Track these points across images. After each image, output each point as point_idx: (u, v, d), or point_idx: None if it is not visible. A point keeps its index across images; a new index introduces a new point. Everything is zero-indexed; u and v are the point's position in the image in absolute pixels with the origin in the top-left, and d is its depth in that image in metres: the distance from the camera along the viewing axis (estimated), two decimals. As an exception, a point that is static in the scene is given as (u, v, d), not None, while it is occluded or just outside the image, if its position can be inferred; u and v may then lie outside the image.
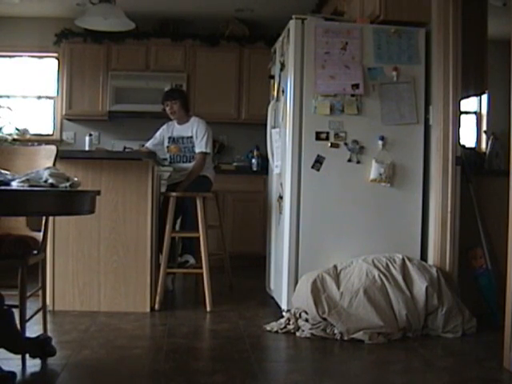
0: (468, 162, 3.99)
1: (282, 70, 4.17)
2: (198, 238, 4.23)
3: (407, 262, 3.68)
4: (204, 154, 4.77)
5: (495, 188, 3.92)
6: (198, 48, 6.41)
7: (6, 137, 5.91)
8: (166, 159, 4.94)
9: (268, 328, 3.59)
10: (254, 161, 6.40)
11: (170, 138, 4.89)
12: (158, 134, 4.99)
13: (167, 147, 4.90)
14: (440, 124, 3.84)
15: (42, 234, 2.97)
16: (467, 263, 3.95)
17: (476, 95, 5.07)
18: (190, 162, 4.82)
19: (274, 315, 3.88)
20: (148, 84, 6.28)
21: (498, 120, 6.07)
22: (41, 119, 6.65)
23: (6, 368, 2.51)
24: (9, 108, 6.19)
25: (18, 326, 2.77)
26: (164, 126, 4.97)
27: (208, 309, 4.09)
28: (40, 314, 3.11)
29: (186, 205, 4.51)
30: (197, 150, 4.77)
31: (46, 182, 2.34)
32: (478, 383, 2.80)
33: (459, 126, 3.89)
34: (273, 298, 4.37)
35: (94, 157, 4.08)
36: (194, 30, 6.46)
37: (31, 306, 3.00)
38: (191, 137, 4.80)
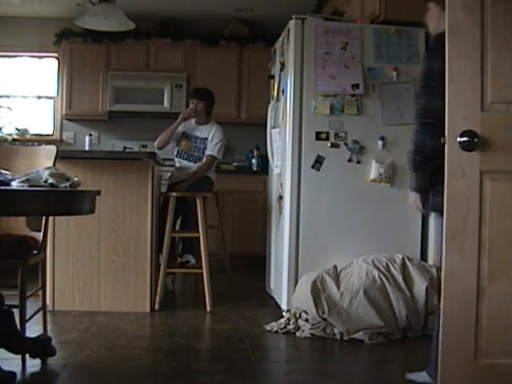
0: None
1: (282, 70, 4.17)
2: (198, 238, 4.23)
3: (407, 262, 3.68)
4: (213, 158, 4.81)
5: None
6: (198, 48, 6.41)
7: (6, 137, 5.90)
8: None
9: (268, 328, 3.59)
10: (254, 161, 6.40)
11: (184, 133, 4.92)
12: (179, 127, 4.95)
13: (178, 141, 4.93)
14: (440, 124, 3.84)
15: (41, 234, 2.97)
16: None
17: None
18: (195, 162, 4.84)
19: (274, 315, 3.88)
20: (148, 84, 6.28)
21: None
22: (41, 119, 6.65)
23: (6, 368, 2.51)
24: (9, 108, 6.19)
25: (18, 326, 2.77)
26: (183, 122, 4.98)
27: (208, 309, 4.09)
28: (40, 314, 3.10)
29: (188, 205, 4.51)
30: (208, 153, 4.80)
31: (46, 182, 2.34)
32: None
33: (459, 126, 3.88)
34: (273, 297, 4.37)
35: (93, 157, 4.08)
36: (194, 30, 6.46)
37: (31, 306, 3.00)
38: (206, 138, 4.83)
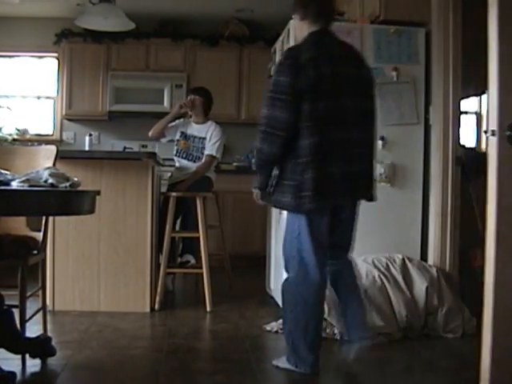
0: (468, 161, 3.99)
1: (281, 70, 4.16)
2: (198, 238, 4.23)
3: (407, 262, 3.68)
4: (213, 157, 4.79)
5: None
6: (198, 48, 6.42)
7: (6, 137, 5.91)
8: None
9: (268, 328, 3.58)
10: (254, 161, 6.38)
11: (182, 133, 4.90)
12: (176, 121, 4.97)
13: (177, 140, 4.92)
14: (440, 124, 3.84)
15: (41, 234, 2.97)
16: (467, 263, 3.94)
17: (476, 95, 5.07)
18: (194, 161, 4.83)
19: (274, 315, 3.87)
20: (148, 84, 6.29)
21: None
22: (41, 119, 6.65)
23: (6, 368, 2.51)
24: (9, 108, 6.20)
25: (18, 326, 2.77)
26: (181, 119, 4.98)
27: (208, 309, 4.09)
28: (40, 314, 3.11)
29: (188, 204, 4.50)
30: (206, 152, 4.78)
31: (46, 182, 2.34)
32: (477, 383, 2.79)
33: (459, 126, 3.88)
34: (273, 297, 4.37)
35: (94, 157, 4.08)
36: (194, 30, 6.46)
37: (31, 306, 3.00)
38: (204, 138, 4.82)
